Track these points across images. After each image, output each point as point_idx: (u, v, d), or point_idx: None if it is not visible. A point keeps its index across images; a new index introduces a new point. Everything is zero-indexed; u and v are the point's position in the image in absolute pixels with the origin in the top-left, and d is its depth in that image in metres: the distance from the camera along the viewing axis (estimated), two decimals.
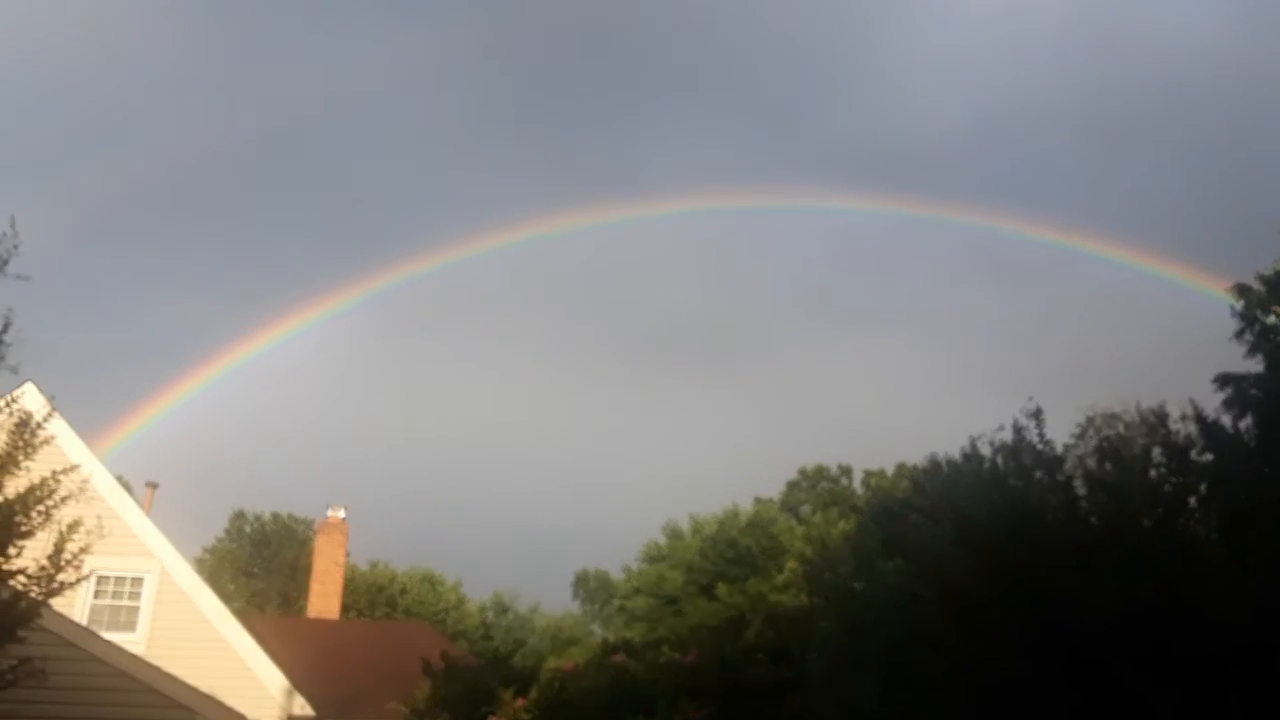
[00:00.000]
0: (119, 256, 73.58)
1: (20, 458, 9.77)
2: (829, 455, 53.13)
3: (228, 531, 52.61)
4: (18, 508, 9.64)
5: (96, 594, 18.92)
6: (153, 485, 25.85)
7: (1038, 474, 13.68)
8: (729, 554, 47.83)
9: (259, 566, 50.24)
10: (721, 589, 44.36)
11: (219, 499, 52.70)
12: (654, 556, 51.94)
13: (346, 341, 67.62)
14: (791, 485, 53.06)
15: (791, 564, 41.15)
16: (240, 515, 52.95)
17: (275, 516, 52.70)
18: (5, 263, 9.72)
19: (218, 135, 55.26)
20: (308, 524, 47.81)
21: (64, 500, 9.94)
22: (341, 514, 29.40)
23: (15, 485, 9.78)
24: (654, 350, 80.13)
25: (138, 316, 73.91)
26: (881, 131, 70.94)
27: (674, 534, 52.47)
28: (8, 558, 9.63)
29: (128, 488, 21.52)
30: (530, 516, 67.06)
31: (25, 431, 9.83)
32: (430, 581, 52.85)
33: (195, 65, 69.66)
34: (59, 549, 9.86)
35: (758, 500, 51.39)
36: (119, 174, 51.30)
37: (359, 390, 78.21)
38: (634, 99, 75.40)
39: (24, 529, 9.70)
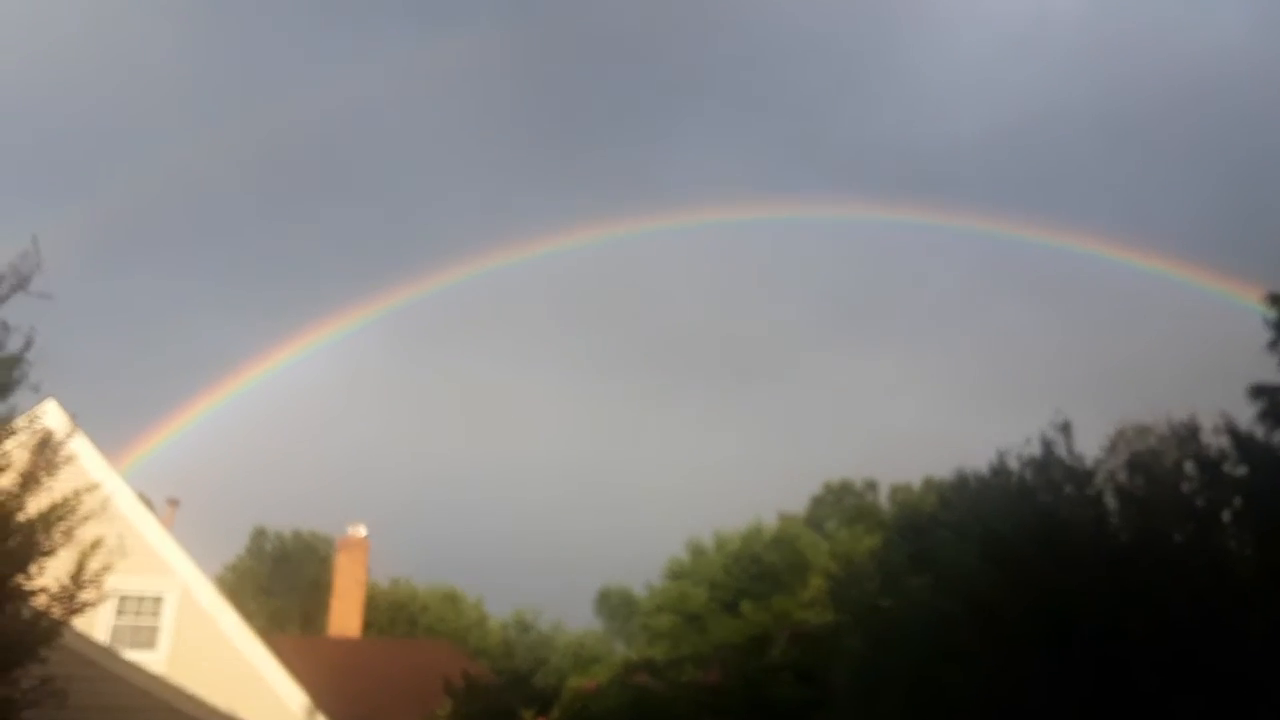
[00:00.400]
0: (138, 272, 74.32)
1: (42, 476, 9.87)
2: (855, 469, 52.94)
3: (249, 549, 52.87)
4: (39, 526, 9.73)
5: (118, 613, 19.06)
6: (174, 502, 26.07)
7: (1067, 488, 13.62)
8: (753, 570, 47.66)
9: (280, 584, 50.43)
10: (745, 606, 44.15)
11: (240, 516, 53.05)
12: (677, 573, 51.80)
13: (366, 356, 68.01)
14: (816, 500, 52.80)
15: (817, 580, 40.91)
16: (261, 532, 53.21)
17: (296, 534, 52.91)
18: (27, 280, 9.84)
19: (235, 149, 55.79)
20: (329, 541, 47.96)
21: (85, 519, 10.03)
22: (362, 531, 29.51)
23: (37, 503, 9.88)
24: (675, 364, 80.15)
25: (159, 332, 74.59)
26: (903, 140, 70.85)
27: (697, 550, 52.31)
28: (29, 576, 9.71)
29: (149, 504, 21.67)
30: (554, 534, 67.11)
31: (47, 450, 9.93)
32: (451, 599, 52.88)
33: (206, 78, 70.40)
34: (80, 568, 9.94)
35: (782, 515, 51.20)
36: (139, 189, 51.86)
37: (380, 405, 78.56)
38: (649, 107, 75.55)
39: (45, 547, 9.79)
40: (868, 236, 64.76)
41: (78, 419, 11.13)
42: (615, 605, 57.44)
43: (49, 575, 9.88)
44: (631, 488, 72.45)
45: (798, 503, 52.27)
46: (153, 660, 17.61)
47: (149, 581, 19.41)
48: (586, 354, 79.17)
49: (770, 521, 51.02)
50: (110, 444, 20.19)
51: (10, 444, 9.89)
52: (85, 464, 17.22)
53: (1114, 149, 66.41)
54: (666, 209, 55.42)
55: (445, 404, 79.14)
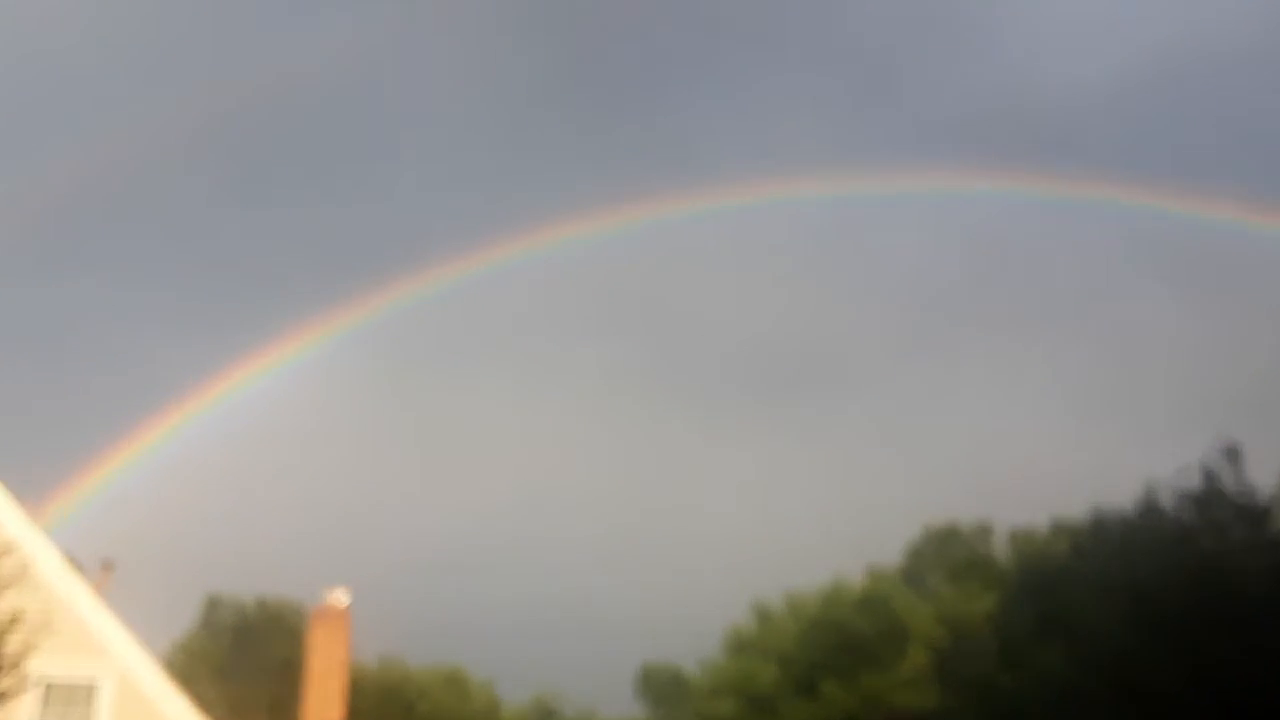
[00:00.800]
0: (70, 278, 75.40)
1: None
2: (962, 509, 52.57)
3: (202, 622, 53.35)
4: None
5: (44, 703, 19.26)
6: (109, 565, 26.31)
7: (1236, 530, 13.48)
8: (835, 640, 47.47)
9: (242, 665, 50.80)
10: (827, 686, 44.04)
11: (190, 581, 53.51)
12: (739, 645, 51.71)
13: (344, 376, 68.43)
14: (914, 550, 52.59)
15: (917, 652, 40.76)
16: (216, 602, 53.66)
17: (260, 603, 53.32)
18: None
19: (183, 130, 56.58)
20: (301, 612, 48.23)
21: (1, 588, 10.15)
22: (343, 599, 29.62)
23: None
24: (729, 381, 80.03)
25: (92, 349, 75.49)
26: (1009, 90, 70.42)
27: (764, 616, 52.21)
28: None
29: (79, 568, 21.92)
30: (580, 597, 67.14)
31: None
32: (455, 681, 53.07)
33: (160, 42, 71.39)
34: None
35: (871, 570, 51.00)
36: (64, 178, 52.68)
37: (364, 440, 78.97)
38: (684, 59, 75.57)
39: None
40: (968, 213, 64.24)
41: None
42: (661, 686, 57.42)
43: None
44: (679, 539, 72.30)
45: (890, 554, 52.10)
46: None
47: (80, 664, 19.60)
48: (616, 370, 79.38)
49: (856, 578, 50.87)
50: (30, 493, 20.46)
51: None
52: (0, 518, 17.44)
53: (1269, 92, 65.60)
54: (710, 184, 55.38)
55: (442, 438, 79.49)
